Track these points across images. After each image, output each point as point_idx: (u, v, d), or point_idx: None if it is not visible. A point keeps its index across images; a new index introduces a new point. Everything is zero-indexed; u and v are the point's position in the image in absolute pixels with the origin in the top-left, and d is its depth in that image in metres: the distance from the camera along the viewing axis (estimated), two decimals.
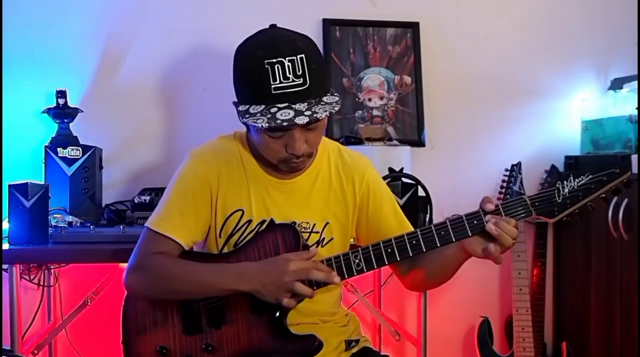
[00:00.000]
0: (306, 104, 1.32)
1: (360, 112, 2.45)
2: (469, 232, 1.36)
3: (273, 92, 1.31)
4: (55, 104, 2.17)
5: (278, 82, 1.30)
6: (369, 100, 2.46)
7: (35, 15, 2.29)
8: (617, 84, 2.45)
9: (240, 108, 1.37)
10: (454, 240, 1.37)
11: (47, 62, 2.29)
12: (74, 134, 2.19)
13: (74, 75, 2.29)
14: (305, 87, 1.32)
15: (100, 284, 2.03)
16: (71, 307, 2.12)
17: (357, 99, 2.45)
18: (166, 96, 2.37)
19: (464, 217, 1.37)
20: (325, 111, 1.32)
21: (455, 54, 2.54)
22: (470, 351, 2.50)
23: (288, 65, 1.30)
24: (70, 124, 2.19)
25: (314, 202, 1.52)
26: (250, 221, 1.49)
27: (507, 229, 1.33)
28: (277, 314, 1.41)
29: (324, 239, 1.53)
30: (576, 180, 1.34)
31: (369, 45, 2.47)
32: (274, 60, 1.31)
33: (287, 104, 1.31)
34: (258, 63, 1.32)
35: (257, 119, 1.30)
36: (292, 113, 1.30)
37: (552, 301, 2.59)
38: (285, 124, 1.29)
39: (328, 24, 2.43)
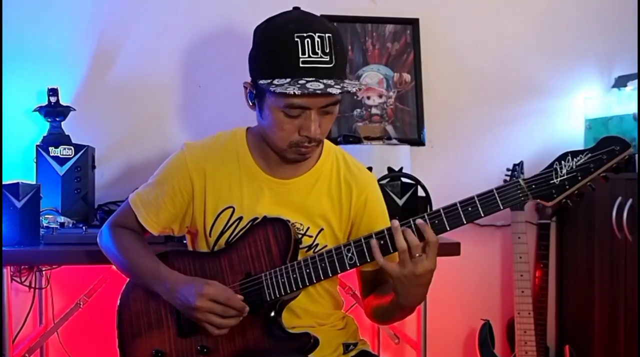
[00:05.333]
0: (332, 81, 1.32)
1: (358, 110, 2.43)
2: (464, 219, 1.31)
3: (301, 65, 1.31)
4: (46, 102, 2.15)
5: (307, 56, 1.31)
6: (368, 98, 2.44)
7: (26, 11, 2.27)
8: (621, 82, 2.43)
9: (261, 82, 1.35)
10: (448, 229, 1.32)
11: (39, 60, 2.26)
12: (66, 133, 2.17)
13: (66, 73, 2.27)
14: (331, 65, 1.33)
15: (93, 286, 2.01)
16: (63, 309, 2.12)
17: (355, 97, 2.43)
18: (160, 94, 2.35)
19: (458, 205, 1.31)
20: (354, 87, 1.34)
21: (456, 51, 2.52)
22: (471, 354, 2.48)
23: (318, 41, 1.31)
24: (62, 123, 2.17)
25: (310, 206, 1.49)
26: (241, 218, 1.47)
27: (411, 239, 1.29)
28: (272, 313, 1.40)
29: (317, 245, 1.49)
30: (574, 159, 1.27)
31: (367, 42, 2.45)
32: (305, 35, 1.31)
33: (314, 78, 1.31)
34: (288, 36, 1.32)
35: (287, 88, 1.29)
36: (321, 85, 1.30)
37: (554, 304, 2.57)
38: (318, 91, 1.28)
39: None
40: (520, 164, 2.39)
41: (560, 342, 2.53)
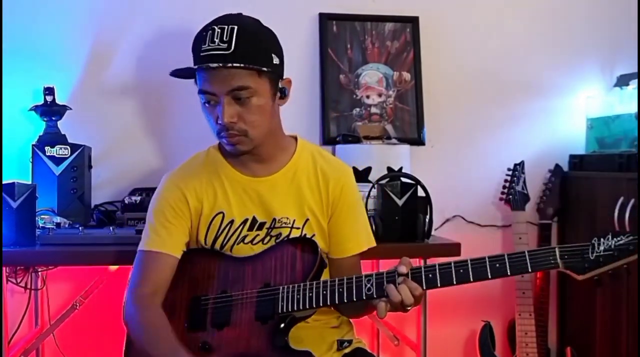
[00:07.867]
0: (229, 64, 1.39)
1: (357, 109, 2.41)
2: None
3: (201, 54, 1.41)
4: (42, 102, 2.13)
5: (206, 46, 1.41)
6: (367, 97, 2.42)
7: (21, 9, 2.25)
8: (623, 81, 2.41)
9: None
10: (472, 281, 1.36)
11: (35, 58, 2.24)
12: (62, 133, 2.15)
13: (62, 72, 2.25)
14: (229, 51, 1.39)
15: (89, 288, 2.00)
16: (59, 311, 2.10)
17: (354, 96, 2.42)
18: (157, 93, 2.33)
19: (487, 259, 1.35)
20: (236, 62, 1.38)
21: (456, 49, 2.50)
22: (472, 356, 2.46)
23: (218, 32, 1.41)
24: (58, 122, 2.15)
25: (293, 199, 1.55)
26: (232, 221, 1.54)
27: (405, 294, 1.34)
28: (282, 325, 1.42)
29: (305, 235, 1.55)
30: (614, 239, 1.28)
31: (367, 40, 2.43)
32: (208, 29, 1.43)
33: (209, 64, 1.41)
34: (197, 35, 1.46)
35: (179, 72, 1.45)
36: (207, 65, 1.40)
37: (556, 305, 2.56)
38: (195, 67, 1.41)
39: (324, 19, 2.39)
40: (521, 164, 2.38)
41: (562, 343, 2.52)
